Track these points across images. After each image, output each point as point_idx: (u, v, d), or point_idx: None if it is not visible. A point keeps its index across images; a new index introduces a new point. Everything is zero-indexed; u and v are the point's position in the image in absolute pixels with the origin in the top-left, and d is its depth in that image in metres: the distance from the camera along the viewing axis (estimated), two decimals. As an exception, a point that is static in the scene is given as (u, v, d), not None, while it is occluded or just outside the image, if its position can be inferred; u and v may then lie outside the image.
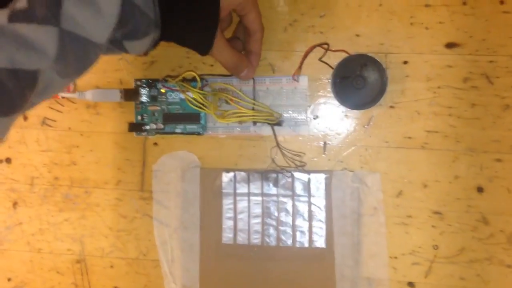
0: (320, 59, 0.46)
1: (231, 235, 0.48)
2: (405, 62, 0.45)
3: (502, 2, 0.44)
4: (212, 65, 0.48)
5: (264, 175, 0.48)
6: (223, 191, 0.48)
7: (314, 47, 0.46)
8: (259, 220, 0.48)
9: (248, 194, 0.48)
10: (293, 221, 0.48)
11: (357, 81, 0.45)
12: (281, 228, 0.48)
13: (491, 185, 0.45)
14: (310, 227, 0.47)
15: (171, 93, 0.48)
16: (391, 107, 0.46)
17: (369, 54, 0.44)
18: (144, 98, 0.49)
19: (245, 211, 0.48)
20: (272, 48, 0.47)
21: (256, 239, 0.48)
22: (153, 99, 0.49)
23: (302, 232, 0.47)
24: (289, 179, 0.48)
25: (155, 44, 0.38)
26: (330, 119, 0.47)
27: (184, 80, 0.47)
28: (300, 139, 0.48)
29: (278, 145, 0.47)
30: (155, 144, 0.50)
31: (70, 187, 0.51)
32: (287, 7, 0.47)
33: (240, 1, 0.40)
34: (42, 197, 0.52)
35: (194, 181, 0.49)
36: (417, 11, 0.45)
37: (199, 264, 0.49)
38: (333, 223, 0.47)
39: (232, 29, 0.46)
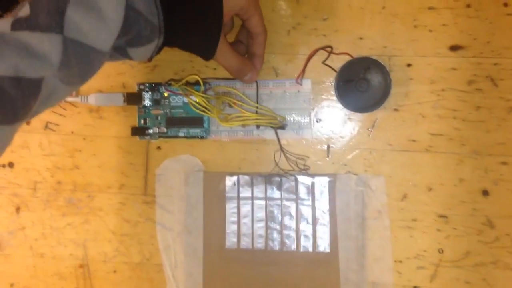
0: (323, 62, 0.46)
1: (234, 240, 0.48)
2: (409, 65, 0.45)
3: (506, 5, 0.44)
4: (215, 69, 0.48)
5: (268, 179, 0.48)
6: (227, 195, 0.48)
7: (317, 50, 0.46)
8: (262, 224, 0.48)
9: (252, 198, 0.48)
10: (297, 225, 0.47)
11: (361, 84, 0.45)
12: (285, 232, 0.47)
13: (496, 188, 0.45)
14: (314, 231, 0.47)
15: (174, 96, 0.48)
16: (395, 110, 0.46)
17: (373, 57, 0.44)
18: (147, 102, 0.49)
19: (249, 215, 0.48)
20: (275, 52, 0.47)
21: (259, 244, 0.48)
22: (156, 103, 0.48)
23: (306, 236, 0.47)
24: (293, 183, 0.47)
25: (158, 50, 0.37)
26: (334, 122, 0.47)
27: (187, 83, 0.47)
28: (304, 143, 0.47)
29: (281, 148, 0.47)
30: (158, 148, 0.50)
31: (73, 191, 0.51)
32: (290, 10, 0.47)
33: (243, 5, 0.39)
34: (45, 202, 0.52)
35: (197, 185, 0.49)
36: (421, 14, 0.45)
37: (202, 268, 0.49)
38: (337, 227, 0.47)
39: (234, 32, 0.46)
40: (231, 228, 0.48)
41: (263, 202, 0.48)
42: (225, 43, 0.41)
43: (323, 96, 0.47)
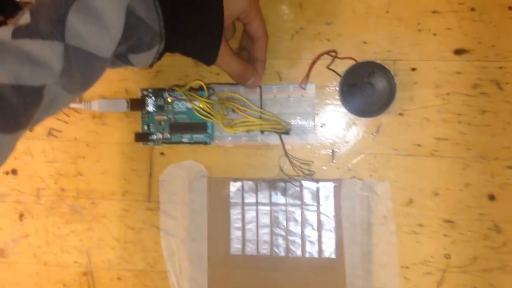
0: (327, 67, 0.46)
1: (239, 246, 0.48)
2: (413, 69, 0.45)
3: (510, 8, 0.43)
4: (218, 74, 0.48)
5: (272, 184, 0.47)
6: (231, 200, 0.48)
7: (321, 54, 0.46)
8: (267, 230, 0.47)
9: (256, 204, 0.48)
10: (302, 230, 0.47)
11: (365, 88, 0.45)
12: (290, 238, 0.47)
13: (502, 192, 0.44)
14: (320, 236, 0.47)
15: (178, 102, 0.48)
16: (400, 114, 0.45)
17: (377, 61, 0.44)
18: (150, 108, 0.48)
19: (254, 221, 0.48)
20: (279, 56, 0.47)
21: (265, 250, 0.47)
22: (159, 108, 0.48)
23: (311, 242, 0.47)
24: (298, 188, 0.47)
25: (160, 56, 0.37)
26: (338, 127, 0.47)
27: (191, 89, 0.47)
28: (308, 148, 0.47)
29: (286, 153, 0.47)
30: (162, 154, 0.49)
31: (77, 198, 0.51)
32: (293, 14, 0.47)
33: (243, 9, 0.39)
34: (48, 209, 0.51)
35: (201, 191, 0.48)
36: (425, 18, 0.45)
37: (207, 275, 0.48)
38: (343, 232, 0.46)
39: (237, 38, 0.46)
40: (235, 234, 0.48)
41: (267, 208, 0.47)
42: (227, 48, 0.40)
43: (327, 101, 0.47)
